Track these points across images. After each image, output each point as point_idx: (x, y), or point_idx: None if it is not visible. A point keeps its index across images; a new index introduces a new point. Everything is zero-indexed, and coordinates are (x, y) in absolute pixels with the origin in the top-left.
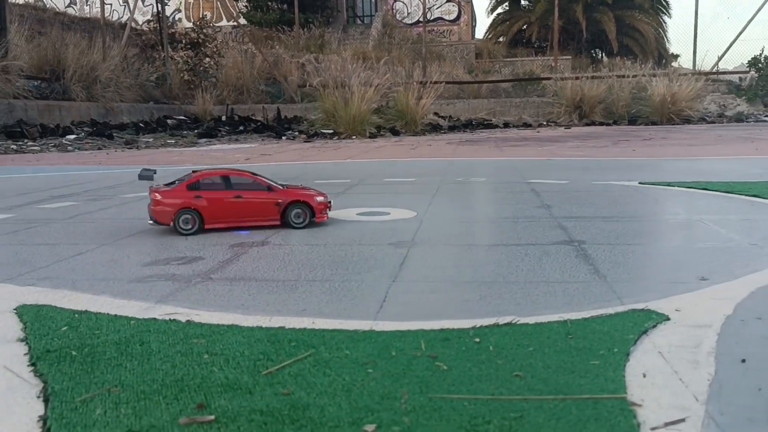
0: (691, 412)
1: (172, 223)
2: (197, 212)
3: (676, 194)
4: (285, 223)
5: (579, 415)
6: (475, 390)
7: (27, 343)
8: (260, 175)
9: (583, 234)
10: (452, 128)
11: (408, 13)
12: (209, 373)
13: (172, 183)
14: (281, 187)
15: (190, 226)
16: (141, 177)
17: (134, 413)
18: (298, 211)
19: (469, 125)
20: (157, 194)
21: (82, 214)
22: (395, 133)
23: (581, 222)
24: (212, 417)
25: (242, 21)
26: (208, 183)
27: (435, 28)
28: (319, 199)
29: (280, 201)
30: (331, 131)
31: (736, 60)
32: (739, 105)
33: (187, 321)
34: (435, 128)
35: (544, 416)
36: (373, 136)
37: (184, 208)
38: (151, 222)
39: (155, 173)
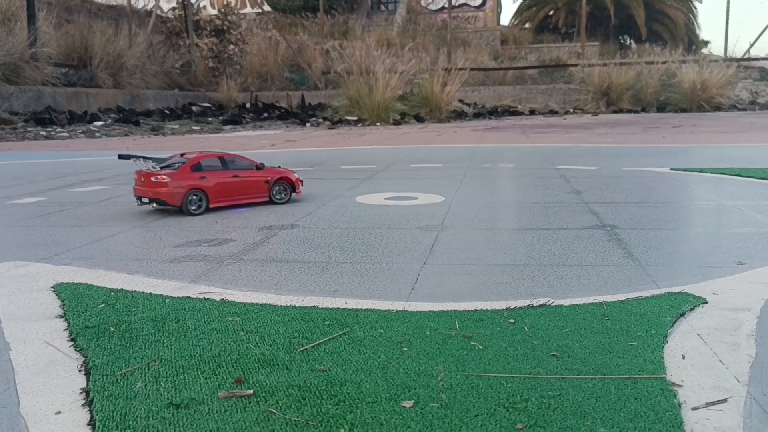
0: (733, 393)
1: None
2: (204, 192)
3: (709, 180)
4: (270, 200)
5: (618, 395)
6: (511, 369)
7: (66, 319)
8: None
9: (615, 219)
10: (477, 115)
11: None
12: (245, 349)
13: (168, 166)
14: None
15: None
16: (120, 157)
17: (174, 387)
18: (279, 188)
19: (494, 112)
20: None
21: (112, 197)
22: (420, 120)
23: (613, 207)
24: (251, 391)
25: (266, 8)
26: (209, 165)
27: (460, 15)
28: (296, 176)
29: (269, 179)
30: (355, 118)
31: None
32: None
33: (222, 300)
34: (460, 115)
35: (583, 395)
36: (397, 122)
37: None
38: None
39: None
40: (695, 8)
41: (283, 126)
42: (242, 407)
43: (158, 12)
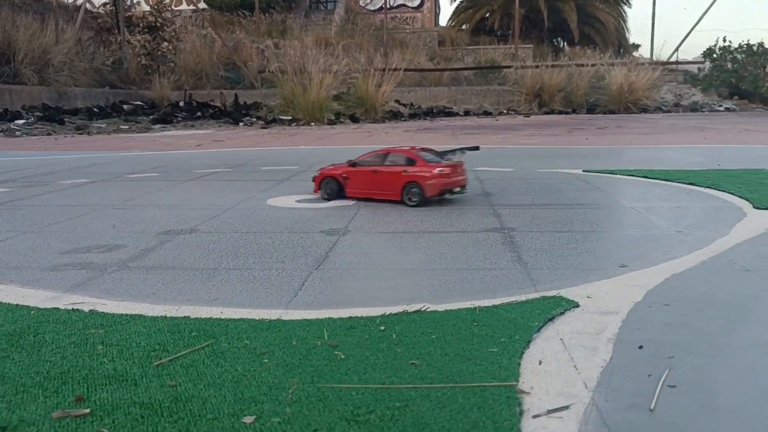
0: (577, 399)
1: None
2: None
3: (617, 182)
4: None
5: (464, 404)
6: (367, 379)
7: None
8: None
9: (515, 221)
10: (413, 116)
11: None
12: (98, 364)
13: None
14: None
15: None
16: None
17: (7, 407)
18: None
19: (429, 113)
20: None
21: (12, 200)
22: (355, 120)
23: (516, 209)
24: (87, 410)
25: (202, 5)
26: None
27: (398, 15)
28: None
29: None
30: (289, 117)
31: (695, 50)
32: (694, 95)
33: (90, 311)
34: (395, 116)
35: (430, 405)
36: (332, 122)
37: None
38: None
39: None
40: (625, 13)
41: (215, 125)
42: (74, 428)
43: (88, 7)
